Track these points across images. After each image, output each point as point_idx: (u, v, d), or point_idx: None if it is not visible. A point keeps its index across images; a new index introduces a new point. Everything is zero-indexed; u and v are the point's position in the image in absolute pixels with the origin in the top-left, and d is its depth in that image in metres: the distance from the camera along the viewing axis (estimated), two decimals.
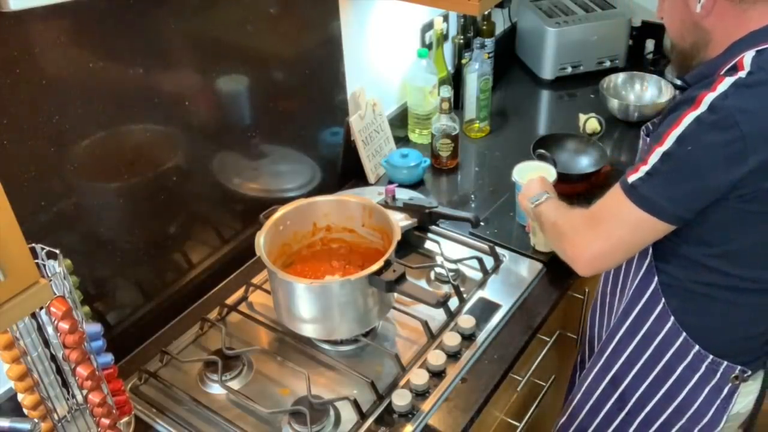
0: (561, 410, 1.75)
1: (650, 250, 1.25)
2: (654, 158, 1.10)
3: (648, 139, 1.28)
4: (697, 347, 1.25)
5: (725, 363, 1.24)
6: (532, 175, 1.65)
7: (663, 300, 1.26)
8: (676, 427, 1.34)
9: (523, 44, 2.48)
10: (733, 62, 1.10)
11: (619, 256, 1.21)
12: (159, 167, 1.37)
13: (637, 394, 1.35)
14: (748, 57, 1.09)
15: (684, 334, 1.25)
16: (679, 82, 2.25)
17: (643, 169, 1.11)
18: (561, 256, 1.30)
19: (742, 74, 1.06)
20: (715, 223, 1.13)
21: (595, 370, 1.41)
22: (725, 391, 1.27)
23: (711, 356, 1.25)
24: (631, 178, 1.13)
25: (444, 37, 2.08)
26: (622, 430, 1.40)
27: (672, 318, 1.26)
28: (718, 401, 1.28)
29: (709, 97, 1.06)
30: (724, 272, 1.18)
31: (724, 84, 1.06)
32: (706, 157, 1.06)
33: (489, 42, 2.17)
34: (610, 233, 1.17)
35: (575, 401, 1.47)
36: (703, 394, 1.28)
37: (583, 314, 1.73)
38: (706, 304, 1.23)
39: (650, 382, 1.33)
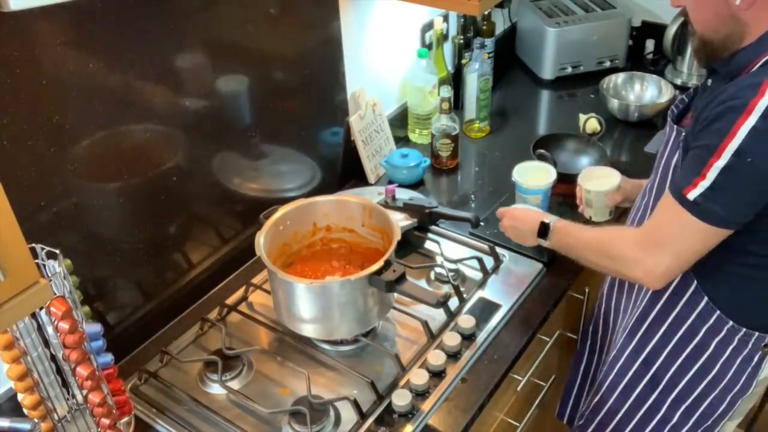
0: (560, 403, 1.76)
1: None
2: (713, 173, 1.09)
3: (676, 127, 1.27)
4: (731, 322, 1.27)
5: (757, 334, 1.28)
6: (532, 175, 1.65)
7: (695, 282, 1.28)
8: (709, 399, 1.36)
9: (523, 44, 2.48)
10: None
11: (690, 265, 1.22)
12: (159, 167, 1.37)
13: (669, 373, 1.37)
14: None
15: (718, 312, 1.28)
16: (679, 82, 2.26)
17: (703, 185, 1.11)
18: (614, 274, 1.34)
19: None
20: (765, 215, 1.14)
21: (626, 353, 1.42)
22: (755, 359, 1.31)
23: (744, 329, 1.27)
24: (692, 195, 1.12)
25: (444, 37, 2.08)
26: (655, 408, 1.42)
27: (705, 298, 1.28)
28: (749, 369, 1.32)
29: (762, 104, 1.04)
30: (762, 255, 1.21)
31: None
32: (766, 166, 1.07)
33: (489, 42, 2.17)
34: (679, 250, 1.18)
35: (606, 384, 1.48)
36: (735, 365, 1.31)
37: (583, 314, 1.73)
38: (741, 284, 1.25)
39: (683, 360, 1.35)
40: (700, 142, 1.13)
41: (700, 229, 1.14)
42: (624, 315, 1.49)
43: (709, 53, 1.22)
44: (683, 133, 1.22)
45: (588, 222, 1.64)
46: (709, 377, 1.34)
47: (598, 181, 1.59)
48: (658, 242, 1.20)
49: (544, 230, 1.41)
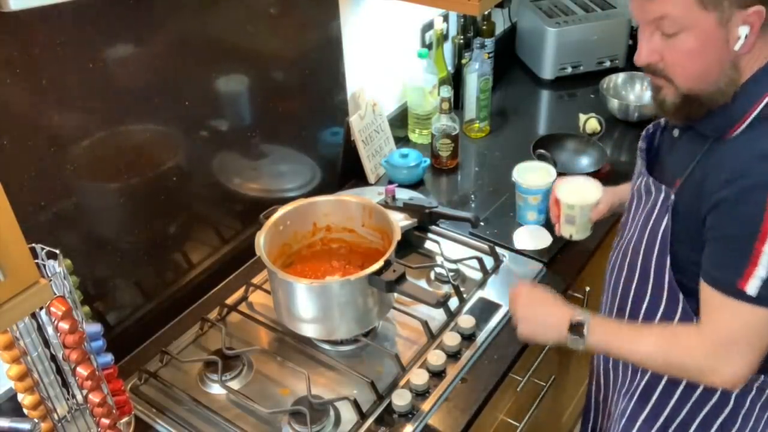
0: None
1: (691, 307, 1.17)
2: (766, 259, 1.00)
3: (663, 188, 1.15)
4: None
5: None
6: (532, 176, 1.65)
7: None
8: None
9: (523, 44, 2.48)
10: (761, 105, 1.04)
11: (764, 352, 1.11)
12: (159, 167, 1.37)
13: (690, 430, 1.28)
14: None
15: None
16: None
17: (758, 274, 1.02)
18: (689, 380, 1.23)
19: None
20: None
21: (639, 422, 1.33)
22: None
23: (762, 376, 1.19)
24: (751, 288, 1.03)
25: (444, 37, 2.08)
26: None
27: None
28: (766, 415, 1.25)
29: None
30: None
31: None
32: None
33: (489, 42, 2.17)
34: (753, 346, 1.08)
35: None
36: (755, 413, 1.24)
37: None
38: None
39: (703, 417, 1.26)
40: (727, 231, 1.05)
41: None
42: (625, 375, 1.38)
43: (694, 110, 1.10)
44: (672, 198, 1.13)
45: (569, 241, 1.54)
46: (733, 430, 1.26)
47: (579, 194, 1.45)
48: (728, 346, 1.08)
49: (576, 327, 1.20)
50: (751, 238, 1.01)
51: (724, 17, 0.99)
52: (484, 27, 2.17)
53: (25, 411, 1.10)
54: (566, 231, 1.49)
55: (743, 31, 1.00)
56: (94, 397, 1.11)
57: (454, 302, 1.48)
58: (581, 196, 1.44)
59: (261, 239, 1.36)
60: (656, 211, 1.17)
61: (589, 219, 1.46)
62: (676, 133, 1.19)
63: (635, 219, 1.24)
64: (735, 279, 1.04)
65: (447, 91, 1.84)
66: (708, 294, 1.09)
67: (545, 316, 1.26)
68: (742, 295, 1.04)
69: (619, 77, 2.22)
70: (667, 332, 1.18)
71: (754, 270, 1.02)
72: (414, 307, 1.45)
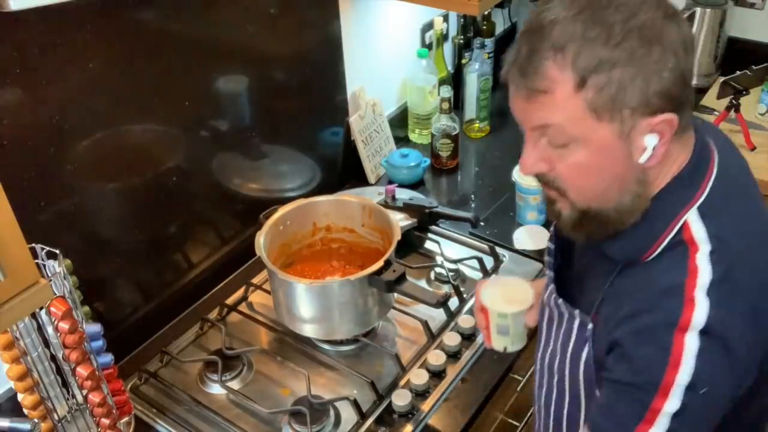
0: None
1: None
2: (664, 420, 0.81)
3: (578, 315, 0.95)
4: None
5: None
6: None
7: None
8: None
9: None
10: (675, 229, 0.85)
11: None
12: (159, 167, 1.37)
13: None
14: (696, 224, 0.84)
15: None
16: None
17: None
18: None
19: (701, 261, 0.82)
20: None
21: None
22: None
23: None
24: None
25: (444, 37, 2.08)
26: None
27: None
28: None
29: (698, 317, 0.80)
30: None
31: (700, 292, 0.80)
32: (724, 386, 0.83)
33: (489, 42, 2.17)
34: None
35: None
36: None
37: None
38: None
39: None
40: (622, 377, 0.85)
41: None
42: None
43: (596, 230, 0.90)
44: (590, 327, 0.93)
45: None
46: None
47: (509, 299, 1.16)
48: None
49: None
50: (649, 391, 0.82)
51: (625, 128, 0.81)
52: (484, 27, 2.17)
53: (25, 411, 1.10)
54: (499, 343, 1.18)
55: (650, 141, 0.82)
56: (94, 397, 1.11)
57: (454, 302, 1.48)
58: (513, 301, 1.15)
59: (261, 239, 1.36)
60: (573, 338, 0.96)
61: (525, 326, 1.16)
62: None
63: (552, 336, 1.03)
64: None
65: (447, 91, 1.84)
66: None
67: None
68: None
69: None
70: None
71: (648, 429, 0.82)
72: (414, 307, 1.45)
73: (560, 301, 0.99)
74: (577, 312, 0.95)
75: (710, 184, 0.87)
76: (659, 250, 0.86)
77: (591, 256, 0.99)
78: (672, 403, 0.81)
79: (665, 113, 0.81)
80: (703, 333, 0.80)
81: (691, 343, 0.80)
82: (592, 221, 0.89)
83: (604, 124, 0.81)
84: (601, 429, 0.88)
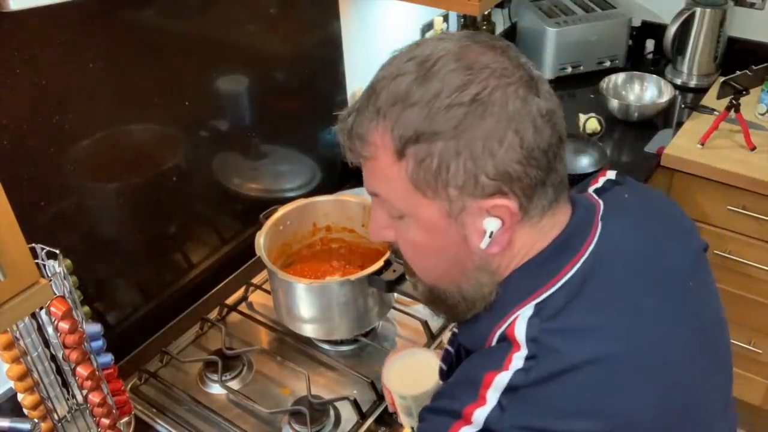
0: None
1: None
2: None
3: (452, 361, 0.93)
4: None
5: None
6: None
7: None
8: None
9: (523, 44, 2.47)
10: (506, 324, 0.75)
11: None
12: (159, 167, 1.37)
13: None
14: (521, 322, 0.73)
15: None
16: (679, 82, 2.25)
17: None
18: None
19: (516, 363, 0.71)
20: None
21: None
22: None
23: None
24: None
25: None
26: None
27: None
28: None
29: (476, 417, 0.70)
30: None
31: (493, 392, 0.70)
32: None
33: None
34: None
35: None
36: None
37: None
38: None
39: None
40: None
41: None
42: None
43: (448, 311, 0.83)
44: None
45: None
46: None
47: (413, 377, 1.07)
48: None
49: None
50: None
51: (454, 208, 0.72)
52: (484, 27, 2.17)
53: (25, 411, 1.10)
54: (406, 422, 1.12)
55: (490, 225, 0.72)
56: (94, 397, 1.11)
57: None
58: (418, 380, 1.06)
59: (261, 239, 1.36)
60: None
61: None
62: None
63: None
64: None
65: None
66: None
67: None
68: None
69: (619, 77, 2.22)
70: None
71: None
72: (414, 307, 1.45)
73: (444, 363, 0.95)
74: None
75: (568, 274, 0.74)
76: (493, 342, 0.76)
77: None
78: None
79: (500, 197, 0.70)
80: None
81: None
82: (441, 301, 0.82)
83: (429, 201, 0.72)
84: None
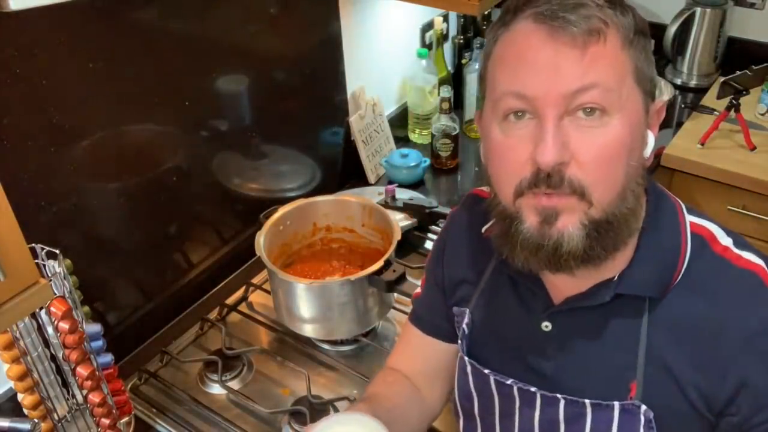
0: None
1: None
2: None
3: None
4: None
5: None
6: None
7: None
8: None
9: None
10: (688, 231, 0.77)
11: None
12: (159, 167, 1.37)
13: None
14: (717, 229, 0.79)
15: None
16: (679, 82, 2.25)
17: None
18: None
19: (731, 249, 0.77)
20: None
21: None
22: None
23: None
24: None
25: (444, 37, 2.08)
26: None
27: None
28: None
29: None
30: None
31: None
32: None
33: None
34: None
35: None
36: None
37: None
38: None
39: None
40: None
41: None
42: None
43: (613, 245, 0.73)
44: (644, 408, 0.77)
45: None
46: None
47: None
48: None
49: None
50: None
51: (647, 104, 0.72)
52: (484, 27, 2.17)
53: (25, 411, 1.10)
54: None
55: (648, 133, 0.73)
56: (94, 397, 1.11)
57: None
58: None
59: (261, 239, 1.36)
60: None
61: None
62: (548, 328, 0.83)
63: None
64: None
65: (447, 91, 1.84)
66: None
67: None
68: None
69: None
70: None
71: None
72: None
73: (559, 397, 0.80)
74: (615, 403, 0.76)
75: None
76: (686, 261, 0.74)
77: (569, 314, 0.80)
78: None
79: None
80: None
81: None
82: (606, 236, 0.71)
83: (640, 91, 0.70)
84: None
